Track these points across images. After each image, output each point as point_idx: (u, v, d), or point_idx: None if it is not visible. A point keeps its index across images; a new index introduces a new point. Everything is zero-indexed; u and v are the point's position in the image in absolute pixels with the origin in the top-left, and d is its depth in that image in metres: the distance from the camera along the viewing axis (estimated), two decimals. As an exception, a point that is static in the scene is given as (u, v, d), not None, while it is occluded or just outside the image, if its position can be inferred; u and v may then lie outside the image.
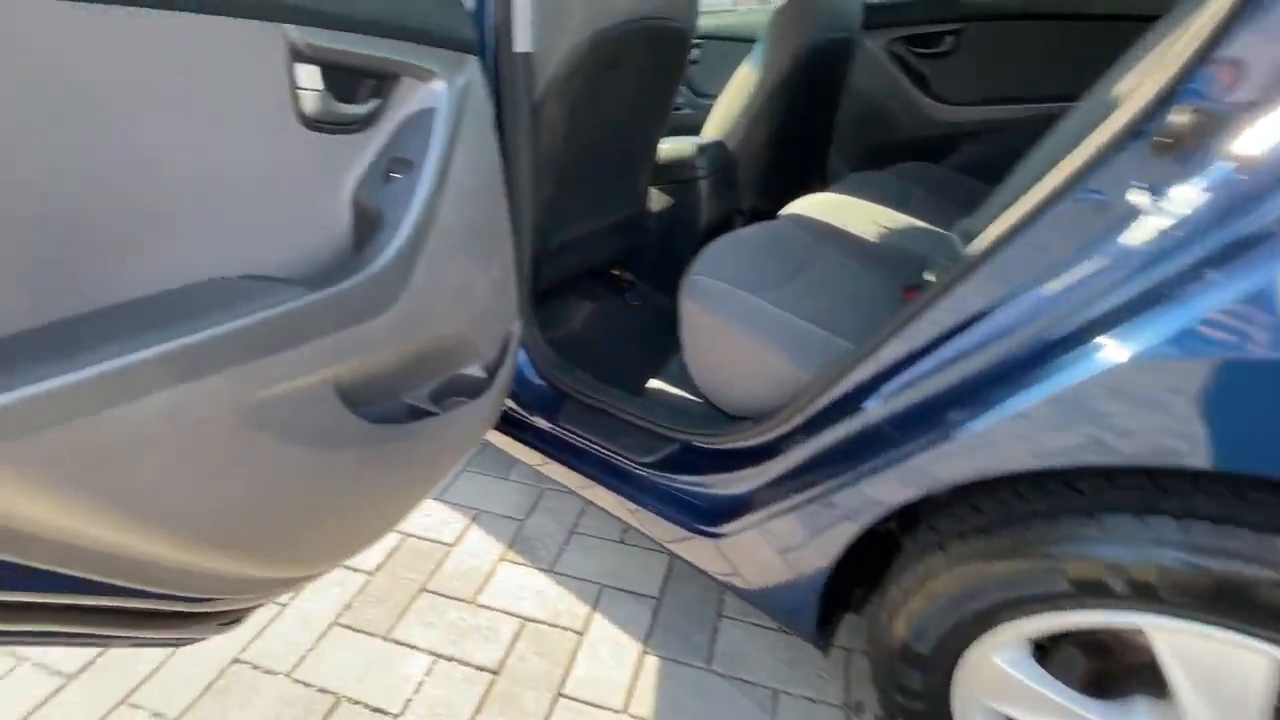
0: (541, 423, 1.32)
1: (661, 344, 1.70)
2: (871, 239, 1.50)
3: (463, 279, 0.90)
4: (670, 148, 1.78)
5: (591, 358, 1.58)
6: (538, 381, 1.34)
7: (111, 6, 0.48)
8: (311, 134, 0.67)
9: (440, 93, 0.81)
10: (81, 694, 1.15)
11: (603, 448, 1.23)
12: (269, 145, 0.63)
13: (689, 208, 1.82)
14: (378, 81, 0.77)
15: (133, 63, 0.50)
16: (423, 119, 0.80)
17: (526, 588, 1.38)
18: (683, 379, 1.31)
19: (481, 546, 1.48)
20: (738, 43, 2.43)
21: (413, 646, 1.24)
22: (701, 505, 1.10)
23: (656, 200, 1.86)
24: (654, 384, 1.36)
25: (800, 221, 1.55)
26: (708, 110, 2.08)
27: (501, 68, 1.05)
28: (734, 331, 1.12)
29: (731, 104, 1.84)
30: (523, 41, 1.06)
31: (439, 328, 0.87)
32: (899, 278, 1.37)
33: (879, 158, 2.28)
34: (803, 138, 2.11)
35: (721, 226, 1.89)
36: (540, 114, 1.24)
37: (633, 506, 1.18)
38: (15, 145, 0.44)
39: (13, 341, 0.44)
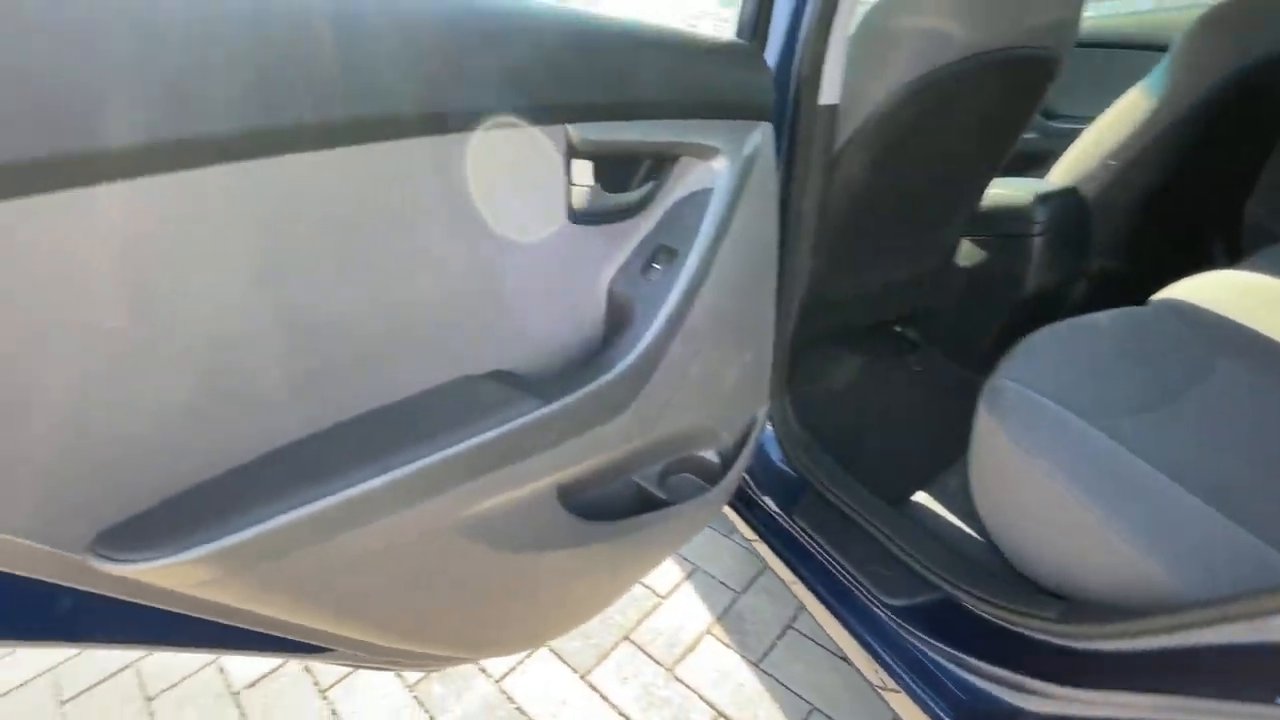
0: (770, 504, 1.18)
1: (941, 435, 1.40)
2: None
3: (710, 371, 0.80)
4: (999, 194, 1.44)
5: (845, 434, 1.37)
6: (775, 457, 1.19)
7: (403, 141, 0.47)
8: (577, 228, 0.63)
9: (720, 171, 0.71)
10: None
11: (838, 564, 1.04)
12: (536, 245, 0.60)
13: (1011, 269, 1.46)
14: (653, 163, 0.70)
15: (416, 183, 0.50)
16: (696, 202, 0.71)
17: (728, 676, 1.26)
18: (963, 499, 1.03)
19: (691, 609, 1.41)
20: (1121, 51, 1.87)
21: (605, 698, 1.23)
22: (964, 699, 0.85)
23: (968, 254, 1.54)
24: (922, 497, 1.11)
25: (1186, 313, 1.11)
26: (1058, 139, 1.65)
27: (800, 122, 0.91)
28: (1052, 473, 0.82)
29: (1101, 140, 1.41)
30: (830, 93, 0.90)
31: (675, 424, 0.80)
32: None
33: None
34: (1205, 188, 1.54)
35: (1053, 298, 1.48)
36: (836, 167, 1.07)
37: (860, 650, 0.98)
38: (307, 271, 0.46)
39: (267, 463, 0.46)
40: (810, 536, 1.09)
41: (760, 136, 0.77)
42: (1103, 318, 1.08)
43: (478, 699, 1.24)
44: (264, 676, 1.33)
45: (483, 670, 1.30)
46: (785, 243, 0.98)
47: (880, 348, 1.70)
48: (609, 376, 0.64)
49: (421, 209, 0.51)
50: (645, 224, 0.70)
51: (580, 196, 0.63)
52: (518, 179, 0.56)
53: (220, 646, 0.54)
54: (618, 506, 0.83)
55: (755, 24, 0.78)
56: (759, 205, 0.79)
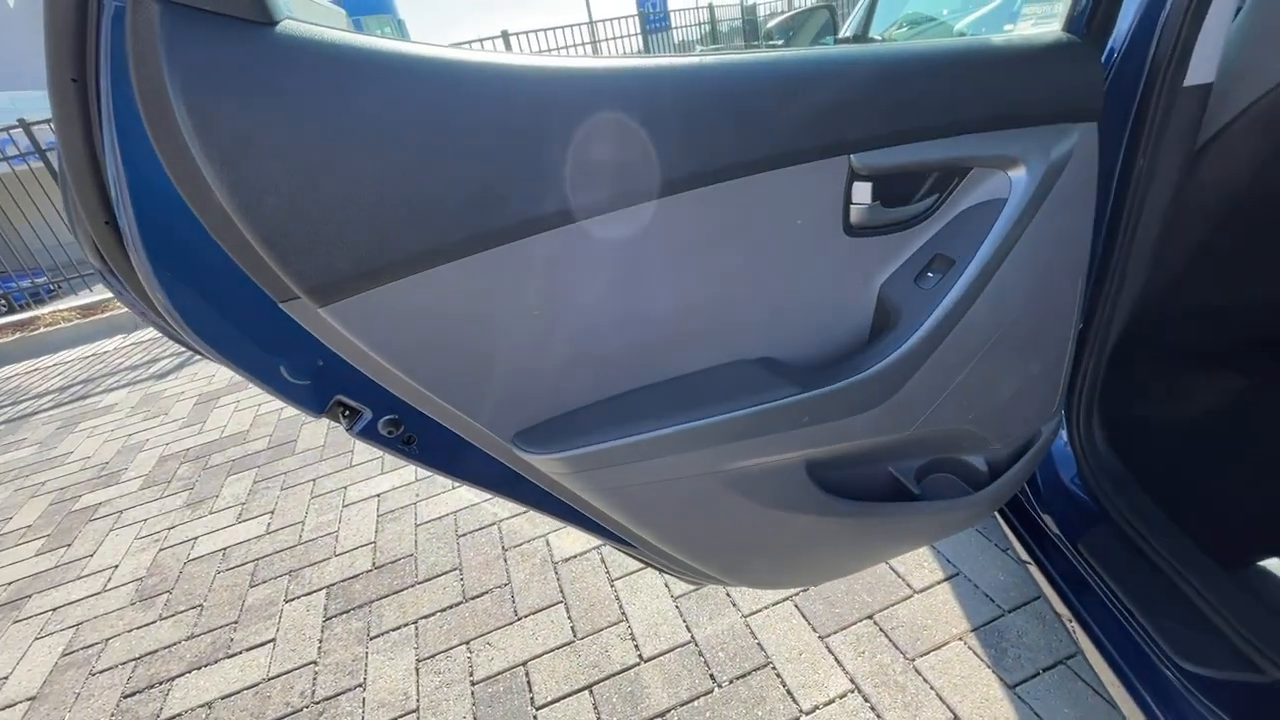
0: (1050, 525, 1.08)
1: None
2: None
3: (983, 380, 0.80)
4: None
5: (1174, 467, 1.14)
6: (1066, 475, 1.08)
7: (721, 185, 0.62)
8: (853, 240, 0.70)
9: (1018, 180, 0.70)
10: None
11: (1125, 610, 0.92)
12: (815, 258, 0.70)
13: None
14: (941, 175, 0.72)
15: (736, 212, 0.64)
16: (983, 213, 0.71)
17: (972, 685, 1.22)
18: None
19: (945, 611, 1.38)
20: None
21: (839, 661, 1.31)
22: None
23: None
24: (1274, 565, 0.90)
25: None
26: None
27: (1150, 111, 0.80)
28: None
29: None
30: (1201, 70, 0.77)
31: (935, 425, 0.82)
32: None
33: None
34: None
35: None
36: (1204, 158, 0.89)
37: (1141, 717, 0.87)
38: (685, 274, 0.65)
39: (612, 405, 0.68)
40: (1095, 572, 0.98)
41: (1077, 138, 0.71)
42: None
43: (725, 625, 1.44)
44: (576, 556, 1.74)
45: (734, 604, 1.49)
46: (1112, 247, 0.88)
47: (1269, 369, 1.33)
48: (861, 375, 0.71)
49: (737, 231, 0.65)
50: (925, 234, 0.73)
51: (859, 213, 0.70)
52: (802, 202, 0.66)
53: (566, 519, 0.80)
54: (869, 490, 0.89)
55: (1091, 15, 0.71)
56: (1065, 212, 0.74)
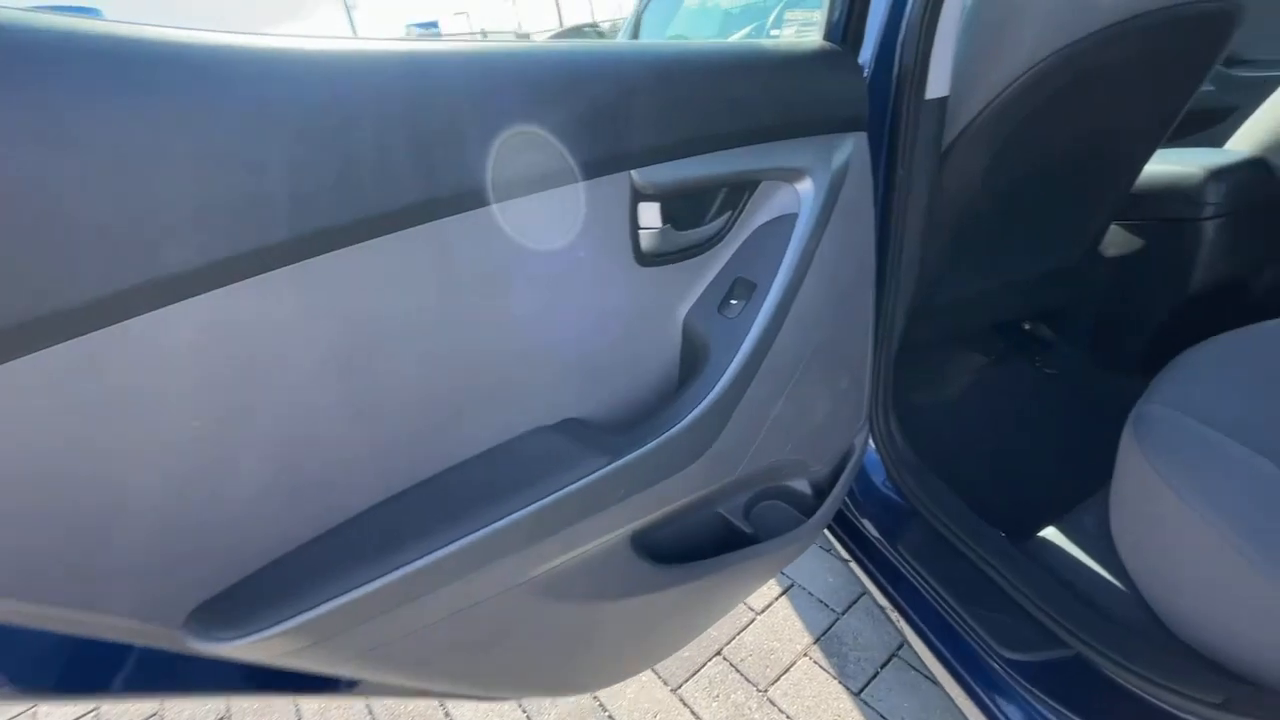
0: (870, 529, 1.09)
1: (1077, 455, 1.23)
2: None
3: (798, 406, 0.74)
4: (1160, 170, 1.22)
5: (959, 452, 1.24)
6: (878, 479, 1.10)
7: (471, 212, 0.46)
8: (646, 270, 0.60)
9: (806, 193, 0.65)
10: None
11: (946, 603, 0.94)
12: (604, 292, 0.58)
13: (1174, 259, 1.24)
14: (731, 192, 0.65)
15: (477, 249, 0.49)
16: (777, 229, 0.65)
17: (824, 704, 1.20)
18: (1102, 540, 0.90)
19: (787, 628, 1.36)
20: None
21: (695, 714, 1.22)
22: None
23: (1120, 241, 1.32)
24: (1052, 534, 0.97)
25: None
26: (1242, 92, 1.38)
27: (902, 122, 0.81)
28: (1213, 521, 0.68)
29: (1304, 98, 1.15)
30: (938, 85, 0.80)
31: (759, 462, 0.75)
32: None
33: None
34: None
35: (1233, 292, 1.24)
36: (946, 163, 0.95)
37: (969, 702, 0.88)
38: (384, 342, 0.47)
39: (345, 534, 0.48)
40: (915, 569, 1.00)
41: (851, 147, 0.69)
42: (1277, 326, 0.89)
43: (572, 704, 1.27)
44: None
45: (577, 674, 1.33)
46: (886, 252, 0.89)
47: (1003, 348, 1.52)
48: (678, 428, 0.61)
49: (486, 272, 0.50)
50: (722, 256, 0.65)
51: (650, 239, 0.60)
52: (581, 230, 0.54)
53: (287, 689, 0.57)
54: (700, 542, 0.80)
55: (846, 24, 0.70)
56: (851, 223, 0.71)
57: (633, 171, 0.53)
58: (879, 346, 0.96)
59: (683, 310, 0.65)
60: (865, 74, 0.80)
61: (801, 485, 0.88)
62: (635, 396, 0.67)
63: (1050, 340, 1.47)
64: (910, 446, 1.08)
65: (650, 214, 0.58)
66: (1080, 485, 1.07)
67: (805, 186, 0.64)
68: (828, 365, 0.76)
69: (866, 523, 1.09)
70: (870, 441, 1.06)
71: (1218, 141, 1.37)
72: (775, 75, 0.63)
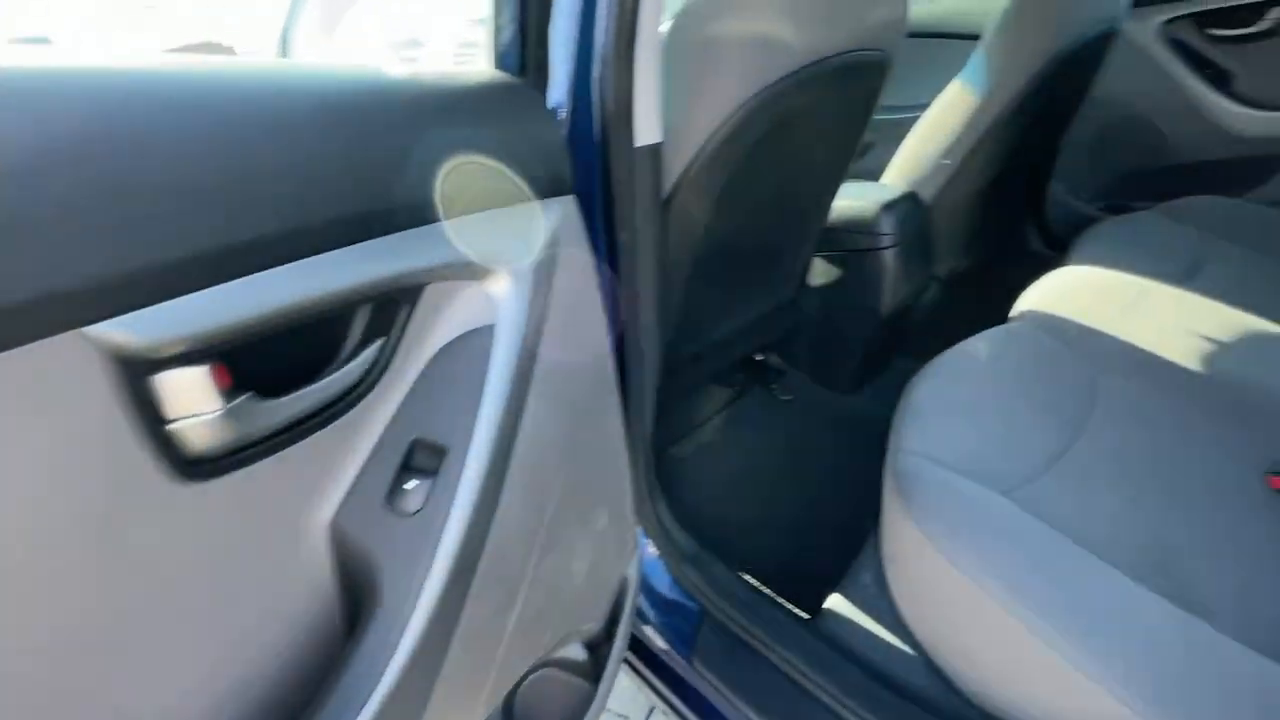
0: (657, 642, 0.93)
1: (830, 484, 1.25)
2: (1189, 360, 0.95)
3: (544, 589, 0.53)
4: (843, 206, 1.30)
5: (731, 511, 1.17)
6: (661, 584, 0.95)
7: None
8: (216, 484, 0.32)
9: (502, 293, 0.43)
10: None
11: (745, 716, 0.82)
12: (122, 554, 0.29)
13: (867, 284, 1.34)
14: (375, 316, 0.40)
15: None
16: (465, 354, 0.43)
17: None
18: (881, 598, 0.85)
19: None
20: (930, 40, 1.84)
21: None
22: None
23: (822, 272, 1.40)
24: (838, 603, 0.90)
25: (1055, 327, 1.03)
26: (877, 130, 1.58)
27: (614, 176, 0.66)
28: (978, 578, 0.66)
29: (932, 139, 1.32)
30: (649, 132, 0.66)
31: (504, 683, 0.51)
32: (1246, 440, 0.82)
33: (1129, 189, 1.64)
34: (1022, 174, 1.54)
35: (910, 308, 1.39)
36: (671, 213, 0.84)
37: None
38: None
39: None
40: (708, 678, 0.86)
41: (559, 217, 0.50)
42: (980, 347, 0.97)
43: None
44: None
45: None
46: (624, 332, 0.73)
47: (742, 378, 1.53)
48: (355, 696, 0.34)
49: None
50: (376, 417, 0.40)
51: (204, 429, 0.32)
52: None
53: None
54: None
55: (522, 49, 0.51)
56: (575, 315, 0.52)
57: (100, 327, 0.26)
58: (635, 444, 0.80)
59: (321, 518, 0.38)
60: (561, 117, 0.62)
61: (576, 651, 0.67)
62: (269, 665, 0.38)
63: (782, 369, 1.51)
64: (686, 530, 0.95)
65: (196, 385, 0.31)
66: (849, 525, 1.06)
67: (500, 284, 0.43)
68: (579, 512, 0.57)
69: (651, 633, 0.93)
70: (647, 544, 0.91)
71: (860, 176, 1.55)
72: (424, 119, 0.41)
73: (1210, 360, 0.93)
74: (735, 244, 1.04)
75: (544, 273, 0.49)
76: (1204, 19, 1.48)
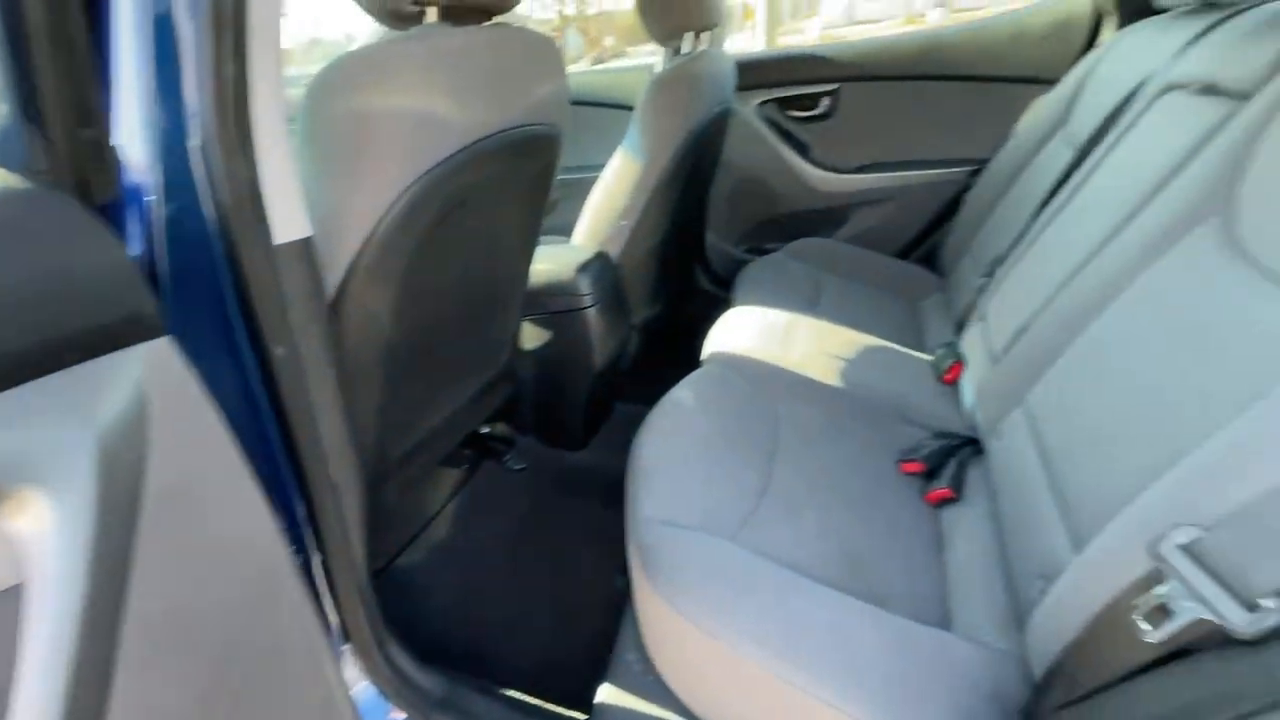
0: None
1: (572, 547, 1.22)
2: (832, 378, 1.16)
3: None
4: (542, 270, 1.31)
5: (470, 594, 1.06)
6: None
7: None
8: None
9: (37, 532, 0.28)
10: None
11: None
12: None
13: (576, 344, 1.37)
14: None
15: None
16: None
17: None
18: (653, 678, 0.83)
19: None
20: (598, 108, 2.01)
21: None
22: None
23: (531, 335, 1.38)
24: (609, 696, 0.84)
25: (739, 365, 1.17)
26: (563, 186, 1.65)
27: (255, 278, 0.52)
28: (719, 633, 0.67)
29: (610, 203, 1.42)
30: (294, 225, 0.54)
31: None
32: (881, 439, 1.04)
33: (763, 235, 2.01)
34: (686, 227, 1.76)
35: (619, 359, 1.46)
36: (343, 311, 0.72)
37: None
38: None
39: None
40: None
41: (138, 375, 0.35)
42: (686, 395, 1.04)
43: None
44: None
45: None
46: (305, 463, 0.59)
47: (473, 458, 1.43)
48: None
49: None
50: None
51: None
52: None
53: None
54: None
55: (41, 130, 0.35)
56: (198, 497, 0.38)
57: None
58: (346, 593, 0.65)
59: None
60: (141, 220, 0.46)
61: None
62: None
63: (511, 437, 1.45)
64: (429, 667, 0.82)
65: None
66: (605, 592, 1.03)
67: (25, 514, 0.28)
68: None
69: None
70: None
71: (550, 231, 1.61)
72: None
73: (844, 376, 1.16)
74: (432, 328, 0.95)
75: (119, 465, 0.34)
76: (784, 102, 1.90)
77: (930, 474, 0.96)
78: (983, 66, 1.73)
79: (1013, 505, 0.81)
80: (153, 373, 0.36)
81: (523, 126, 0.88)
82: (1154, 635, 0.47)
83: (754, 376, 1.12)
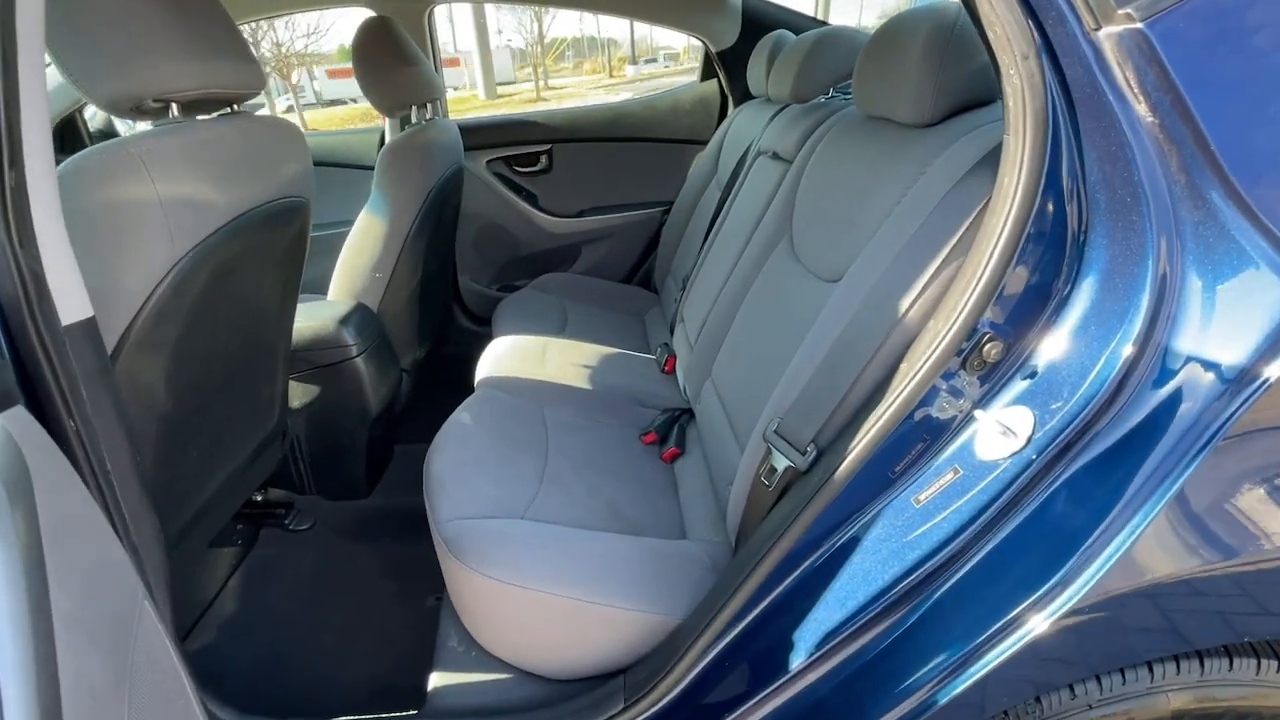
0: None
1: (371, 589, 1.29)
2: (584, 384, 1.44)
3: None
4: (307, 326, 1.36)
5: (276, 664, 1.09)
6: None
7: None
8: None
9: None
10: None
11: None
12: None
13: (348, 393, 1.43)
14: None
15: None
16: None
17: None
18: (469, 648, 0.97)
19: None
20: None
21: None
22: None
23: (300, 393, 1.41)
24: (440, 680, 0.96)
25: (506, 385, 1.38)
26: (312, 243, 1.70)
27: (48, 357, 0.59)
28: (527, 581, 0.87)
29: (361, 258, 1.52)
30: (75, 305, 0.62)
31: None
32: (626, 422, 1.35)
33: (511, 273, 2.25)
34: (439, 272, 1.92)
35: (393, 401, 1.56)
36: (124, 380, 0.77)
37: None
38: None
39: None
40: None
41: (8, 440, 0.44)
42: (466, 416, 1.22)
43: None
44: None
45: None
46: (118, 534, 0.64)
47: (250, 531, 1.39)
48: None
49: None
50: None
51: None
52: None
53: None
54: None
55: None
56: (85, 561, 0.47)
57: None
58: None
59: None
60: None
61: None
62: None
63: (288, 500, 1.44)
64: (250, 717, 0.86)
65: None
66: (414, 621, 1.14)
67: None
68: None
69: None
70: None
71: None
72: None
73: (592, 379, 1.44)
74: (202, 394, 0.98)
75: (23, 502, 0.43)
76: (510, 160, 2.17)
77: (663, 440, 1.29)
78: (656, 130, 2.23)
79: (711, 444, 1.15)
80: (19, 437, 0.44)
81: (277, 200, 0.98)
82: (771, 485, 0.81)
83: (521, 392, 1.34)
